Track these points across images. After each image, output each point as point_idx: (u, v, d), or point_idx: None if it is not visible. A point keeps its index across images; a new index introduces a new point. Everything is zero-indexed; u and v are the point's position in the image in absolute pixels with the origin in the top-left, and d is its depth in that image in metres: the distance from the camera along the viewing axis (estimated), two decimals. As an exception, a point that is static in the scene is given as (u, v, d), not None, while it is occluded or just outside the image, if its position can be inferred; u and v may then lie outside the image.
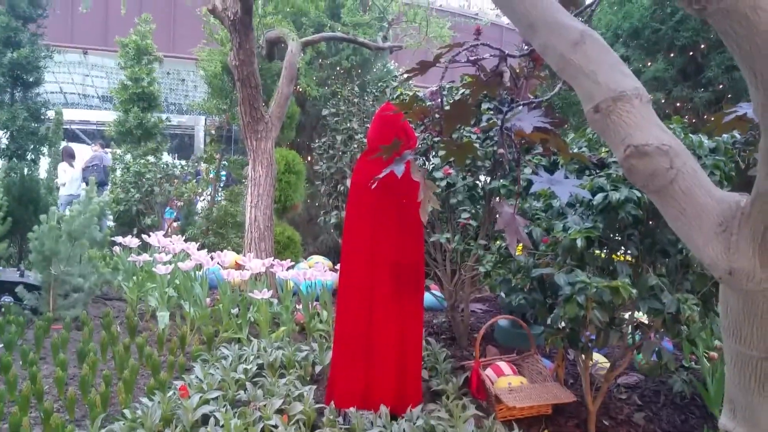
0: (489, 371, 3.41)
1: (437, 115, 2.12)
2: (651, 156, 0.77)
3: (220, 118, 7.19)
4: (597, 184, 2.65)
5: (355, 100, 5.24)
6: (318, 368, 3.55)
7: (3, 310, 4.04)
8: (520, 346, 4.07)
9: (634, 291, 2.44)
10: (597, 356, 3.84)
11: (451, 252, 3.98)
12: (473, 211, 3.64)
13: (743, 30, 0.64)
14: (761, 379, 0.91)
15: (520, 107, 2.00)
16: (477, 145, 3.55)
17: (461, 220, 3.45)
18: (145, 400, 2.91)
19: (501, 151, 1.71)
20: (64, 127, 15.41)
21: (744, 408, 0.98)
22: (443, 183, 3.56)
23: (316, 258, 6.56)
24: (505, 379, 3.28)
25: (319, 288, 4.52)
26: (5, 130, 5.57)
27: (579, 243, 2.51)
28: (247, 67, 4.70)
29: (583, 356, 2.96)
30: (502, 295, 3.27)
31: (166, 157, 8.26)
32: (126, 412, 2.76)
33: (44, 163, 8.86)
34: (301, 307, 4.44)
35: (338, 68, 6.65)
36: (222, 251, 5.71)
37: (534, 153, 3.53)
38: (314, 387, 3.18)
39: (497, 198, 3.49)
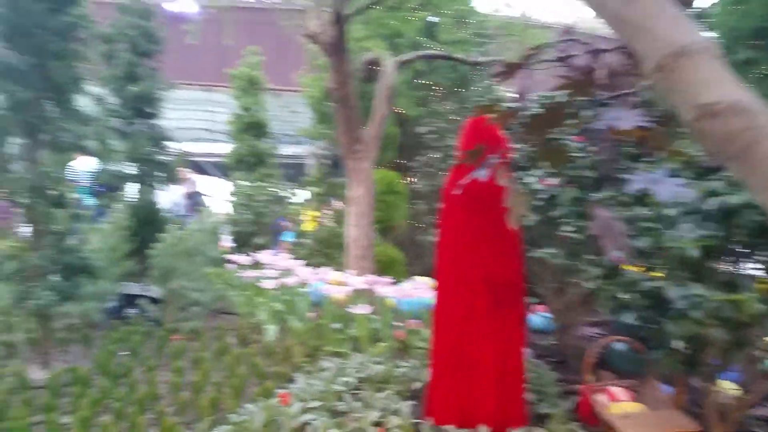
0: (602, 396, 3.16)
1: (521, 120, 2.03)
2: (723, 116, 0.66)
3: (325, 142, 7.45)
4: (710, 188, 2.38)
5: (452, 117, 5.20)
6: (416, 385, 3.49)
7: (130, 321, 4.43)
8: (637, 371, 3.73)
9: (761, 305, 2.14)
10: (727, 383, 3.42)
11: (555, 269, 3.76)
12: (579, 224, 3.42)
13: None
14: None
15: (614, 104, 1.87)
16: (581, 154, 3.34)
17: (563, 233, 3.26)
18: (249, 405, 3.03)
19: (590, 149, 1.59)
20: (192, 159, 16.83)
21: None
22: (543, 195, 3.39)
23: (420, 279, 6.51)
24: (620, 405, 3.02)
25: (419, 306, 4.48)
26: (132, 159, 6.07)
27: (694, 253, 2.26)
28: (344, 88, 4.85)
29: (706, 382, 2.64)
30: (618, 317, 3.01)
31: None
32: (232, 416, 2.90)
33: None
34: (402, 324, 4.42)
35: (437, 87, 6.67)
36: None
37: (646, 159, 3.25)
38: (412, 403, 3.15)
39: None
